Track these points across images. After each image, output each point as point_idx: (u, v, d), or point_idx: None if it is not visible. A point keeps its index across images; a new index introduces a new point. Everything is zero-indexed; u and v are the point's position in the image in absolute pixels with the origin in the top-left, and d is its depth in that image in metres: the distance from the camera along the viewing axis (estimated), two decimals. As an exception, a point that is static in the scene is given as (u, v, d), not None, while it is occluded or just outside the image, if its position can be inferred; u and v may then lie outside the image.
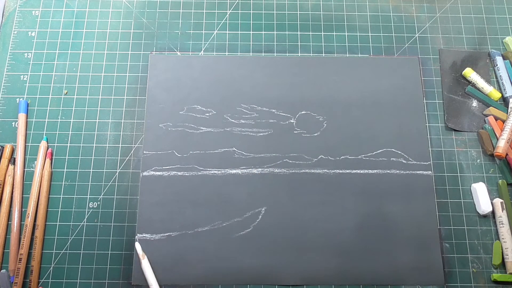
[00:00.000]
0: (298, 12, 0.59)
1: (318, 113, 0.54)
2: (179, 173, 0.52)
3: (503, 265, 0.49)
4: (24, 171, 0.52)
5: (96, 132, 0.53)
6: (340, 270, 0.49)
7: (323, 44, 0.57)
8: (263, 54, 0.57)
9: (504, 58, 0.57)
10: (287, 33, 0.58)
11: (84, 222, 0.50)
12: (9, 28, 0.58)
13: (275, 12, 0.59)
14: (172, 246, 0.49)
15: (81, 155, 0.52)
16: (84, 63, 0.56)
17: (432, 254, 0.49)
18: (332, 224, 0.50)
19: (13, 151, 0.52)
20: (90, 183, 0.52)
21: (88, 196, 0.51)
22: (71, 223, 0.50)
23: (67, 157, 0.52)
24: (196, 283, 0.48)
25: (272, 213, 0.50)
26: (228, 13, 0.59)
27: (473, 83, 0.56)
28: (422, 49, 0.57)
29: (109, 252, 0.49)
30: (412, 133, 0.54)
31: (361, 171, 0.52)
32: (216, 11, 0.59)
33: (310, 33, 0.58)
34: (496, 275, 0.49)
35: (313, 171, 0.52)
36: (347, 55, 0.57)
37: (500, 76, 0.56)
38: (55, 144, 0.53)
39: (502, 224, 0.50)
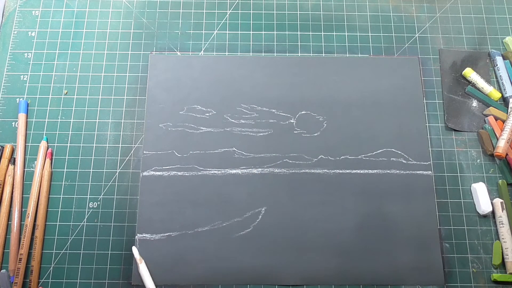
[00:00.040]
0: (298, 12, 0.59)
1: (318, 113, 0.54)
2: (179, 173, 0.52)
3: (503, 265, 0.49)
4: (24, 171, 0.52)
5: (96, 132, 0.53)
6: (340, 270, 0.49)
7: (323, 44, 0.57)
8: (263, 54, 0.57)
9: (504, 58, 0.57)
10: (287, 33, 0.58)
11: (84, 222, 0.50)
12: (9, 28, 0.58)
13: (275, 12, 0.59)
14: (172, 246, 0.49)
15: (81, 155, 0.52)
16: (84, 63, 0.56)
17: (432, 254, 0.49)
18: (332, 224, 0.50)
19: (13, 151, 0.52)
20: (90, 183, 0.52)
21: (88, 196, 0.51)
22: (71, 223, 0.50)
23: (67, 157, 0.52)
24: (196, 283, 0.48)
25: (272, 213, 0.50)
26: (228, 13, 0.59)
27: (473, 83, 0.56)
28: (422, 49, 0.57)
29: (109, 252, 0.49)
30: (412, 133, 0.54)
31: (361, 171, 0.52)
32: (216, 11, 0.59)
33: (310, 33, 0.58)
34: (496, 275, 0.49)
35: (313, 171, 0.52)
36: (347, 55, 0.57)
37: (500, 76, 0.56)
38: (55, 144, 0.53)
39: (502, 224, 0.50)
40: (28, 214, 0.49)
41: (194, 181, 0.51)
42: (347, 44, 0.57)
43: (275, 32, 0.58)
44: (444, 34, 0.58)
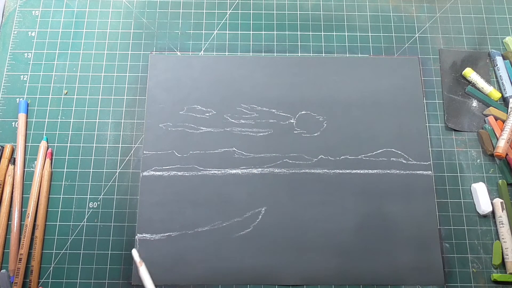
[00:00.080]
0: (298, 12, 0.59)
1: (318, 113, 0.54)
2: (179, 173, 0.52)
3: (503, 265, 0.49)
4: (24, 171, 0.52)
5: (96, 132, 0.53)
6: (340, 270, 0.49)
7: (323, 44, 0.57)
8: (263, 54, 0.57)
9: (504, 58, 0.57)
10: (287, 33, 0.58)
11: (84, 222, 0.50)
12: (9, 28, 0.58)
13: (275, 12, 0.59)
14: (172, 246, 0.49)
15: (81, 155, 0.52)
16: (84, 63, 0.56)
17: (432, 254, 0.49)
18: (332, 224, 0.50)
19: (13, 151, 0.52)
20: (90, 183, 0.52)
21: (88, 196, 0.51)
22: (71, 223, 0.50)
23: (67, 157, 0.52)
24: (196, 283, 0.48)
25: (272, 213, 0.50)
26: (228, 13, 0.59)
27: (473, 83, 0.56)
28: (422, 49, 0.57)
29: (109, 252, 0.49)
30: (412, 133, 0.54)
31: (361, 171, 0.52)
32: (216, 11, 0.59)
33: (310, 33, 0.58)
34: (496, 275, 0.49)
35: (313, 171, 0.52)
36: (347, 55, 0.57)
37: (500, 76, 0.56)
38: (55, 144, 0.53)
39: (502, 224, 0.50)
40: (28, 214, 0.49)
41: (194, 181, 0.51)
42: (347, 44, 0.57)
43: (275, 32, 0.58)
44: (444, 34, 0.58)
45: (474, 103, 0.55)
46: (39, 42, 0.57)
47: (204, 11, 0.59)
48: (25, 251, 0.48)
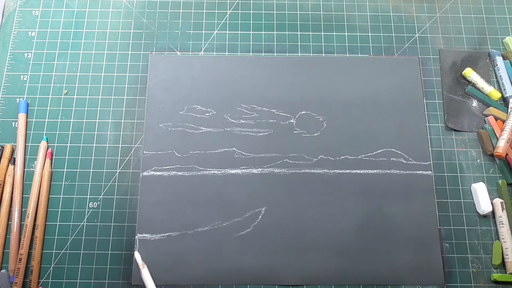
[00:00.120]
0: (298, 12, 0.59)
1: (318, 113, 0.54)
2: (179, 173, 0.52)
3: (503, 265, 0.49)
4: (24, 171, 0.52)
5: (96, 132, 0.53)
6: (340, 270, 0.49)
7: (323, 44, 0.57)
8: (263, 54, 0.57)
9: (504, 58, 0.57)
10: (287, 33, 0.58)
11: (84, 222, 0.50)
12: (9, 28, 0.58)
13: (275, 12, 0.59)
14: (172, 246, 0.49)
15: (81, 155, 0.52)
16: (84, 63, 0.56)
17: (432, 254, 0.49)
18: (332, 224, 0.50)
19: (13, 151, 0.52)
20: (90, 183, 0.52)
21: (88, 196, 0.51)
22: (71, 223, 0.50)
23: (67, 157, 0.52)
24: (196, 283, 0.48)
25: (272, 213, 0.50)
26: (228, 13, 0.59)
27: (473, 83, 0.56)
28: (422, 49, 0.57)
29: (109, 252, 0.49)
30: (412, 133, 0.54)
31: (361, 171, 0.52)
32: (216, 11, 0.59)
33: (310, 33, 0.58)
34: (496, 275, 0.49)
35: (313, 171, 0.52)
36: (347, 55, 0.57)
37: (500, 76, 0.56)
38: (55, 144, 0.53)
39: (502, 224, 0.50)
40: (28, 214, 0.49)
41: (194, 181, 0.51)
42: (347, 44, 0.57)
43: (275, 32, 0.58)
44: (444, 34, 0.58)
45: (474, 103, 0.55)
46: (39, 42, 0.57)
47: (204, 11, 0.59)
48: (25, 251, 0.48)
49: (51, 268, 0.49)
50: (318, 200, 0.51)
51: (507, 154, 0.52)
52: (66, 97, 0.55)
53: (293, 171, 0.52)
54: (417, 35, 0.58)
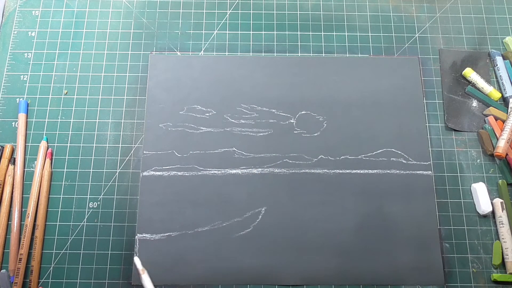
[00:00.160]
0: (298, 12, 0.59)
1: (318, 113, 0.54)
2: (179, 173, 0.52)
3: (503, 265, 0.49)
4: (24, 171, 0.52)
5: (96, 132, 0.53)
6: (340, 270, 0.49)
7: (323, 44, 0.57)
8: (263, 54, 0.57)
9: (504, 58, 0.57)
10: (287, 33, 0.58)
11: (84, 222, 0.50)
12: (9, 28, 0.58)
13: (275, 12, 0.59)
14: (172, 246, 0.49)
15: (81, 155, 0.52)
16: (84, 63, 0.56)
17: (432, 254, 0.49)
18: (332, 224, 0.50)
19: (13, 151, 0.52)
20: (90, 183, 0.52)
21: (88, 196, 0.51)
22: (71, 223, 0.50)
23: (67, 157, 0.52)
24: (196, 283, 0.48)
25: (272, 213, 0.50)
26: (228, 13, 0.59)
27: (473, 83, 0.56)
28: (422, 49, 0.57)
29: (109, 252, 0.49)
30: (412, 133, 0.54)
31: (361, 171, 0.52)
32: (216, 11, 0.59)
33: (310, 33, 0.58)
34: (496, 275, 0.49)
35: (313, 171, 0.52)
36: (347, 55, 0.57)
37: (500, 76, 0.56)
38: (55, 144, 0.53)
39: (502, 224, 0.50)
40: (28, 214, 0.49)
41: (194, 181, 0.51)
42: (347, 44, 0.57)
43: (275, 32, 0.58)
44: (444, 34, 0.58)
45: (474, 103, 0.55)
46: (39, 42, 0.57)
47: (204, 11, 0.59)
48: (25, 251, 0.48)
49: (51, 268, 0.49)
50: (318, 200, 0.51)
51: (507, 154, 0.52)
52: (66, 97, 0.55)
53: (293, 171, 0.52)
54: (417, 35, 0.58)
